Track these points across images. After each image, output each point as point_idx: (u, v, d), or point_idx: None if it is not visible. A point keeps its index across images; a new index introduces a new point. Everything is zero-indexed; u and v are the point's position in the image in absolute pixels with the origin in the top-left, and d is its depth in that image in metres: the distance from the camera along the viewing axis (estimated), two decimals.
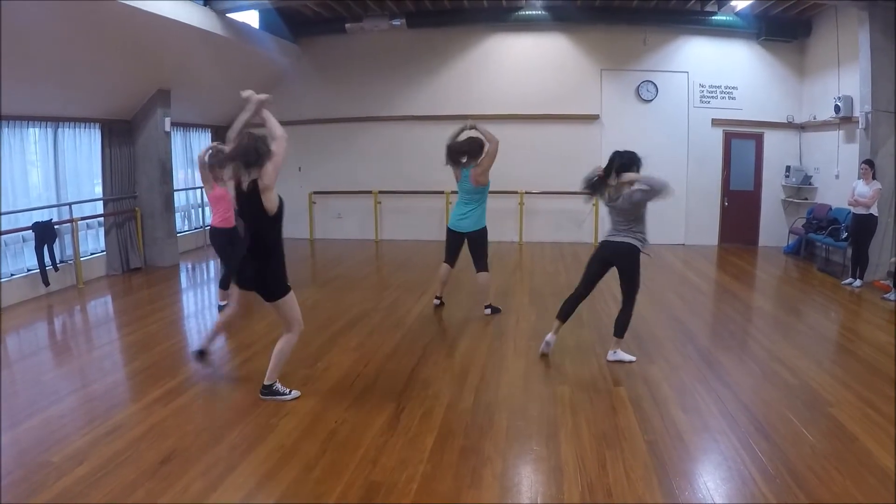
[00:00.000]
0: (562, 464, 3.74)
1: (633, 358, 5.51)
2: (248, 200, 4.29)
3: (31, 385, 5.14)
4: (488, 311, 7.03)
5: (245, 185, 4.29)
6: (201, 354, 5.14)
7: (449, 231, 6.93)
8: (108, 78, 8.58)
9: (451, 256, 7.04)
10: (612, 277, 5.52)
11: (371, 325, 6.71)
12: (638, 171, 5.22)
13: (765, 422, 4.28)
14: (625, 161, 5.23)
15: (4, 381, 5.25)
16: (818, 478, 3.52)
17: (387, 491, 3.45)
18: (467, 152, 6.67)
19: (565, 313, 5.61)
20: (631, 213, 5.21)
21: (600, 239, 5.63)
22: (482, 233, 6.82)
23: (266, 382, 4.68)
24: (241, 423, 4.32)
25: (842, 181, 9.96)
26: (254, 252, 4.43)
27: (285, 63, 12.09)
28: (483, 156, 6.63)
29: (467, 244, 6.88)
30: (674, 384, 5.00)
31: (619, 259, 5.32)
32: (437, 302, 7.38)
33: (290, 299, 4.57)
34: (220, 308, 7.24)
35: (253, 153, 4.20)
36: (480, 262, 6.87)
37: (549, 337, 5.61)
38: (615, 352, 5.52)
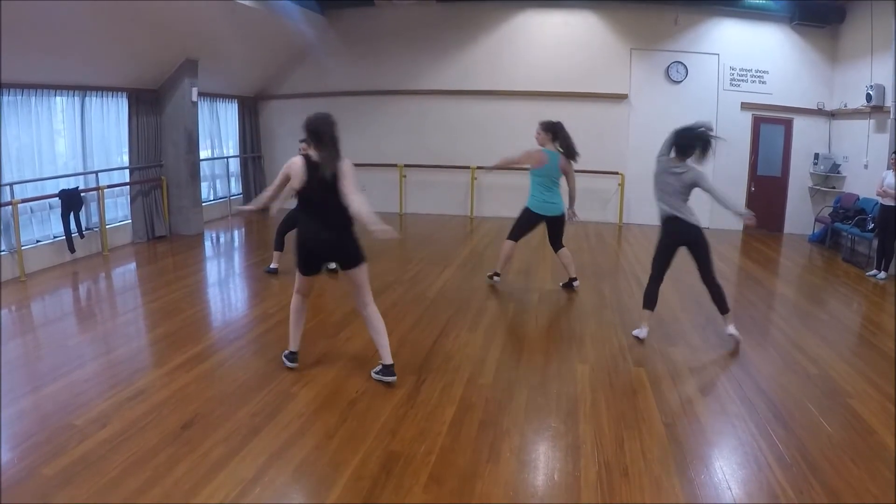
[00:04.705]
0: (579, 441, 3.76)
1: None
2: (328, 181, 4.45)
3: (56, 350, 5.23)
4: (577, 283, 7.21)
5: (327, 174, 4.46)
6: (292, 356, 4.79)
7: (532, 214, 6.93)
8: (135, 47, 8.60)
9: (521, 235, 7.13)
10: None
11: (394, 298, 6.75)
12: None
13: (783, 409, 4.27)
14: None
15: (29, 346, 5.36)
16: (834, 468, 3.51)
17: (405, 461, 3.49)
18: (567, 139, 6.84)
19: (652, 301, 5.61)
20: None
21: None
22: (564, 215, 7.01)
23: (386, 363, 4.54)
24: (263, 391, 4.38)
25: (870, 171, 9.79)
26: (330, 223, 4.55)
27: (312, 35, 12.03)
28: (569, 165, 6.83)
29: (547, 225, 7.01)
30: (694, 367, 5.00)
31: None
32: (496, 279, 7.41)
33: (366, 268, 4.62)
34: (268, 271, 7.41)
35: (325, 129, 4.48)
36: (560, 241, 7.09)
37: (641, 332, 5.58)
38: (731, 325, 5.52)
